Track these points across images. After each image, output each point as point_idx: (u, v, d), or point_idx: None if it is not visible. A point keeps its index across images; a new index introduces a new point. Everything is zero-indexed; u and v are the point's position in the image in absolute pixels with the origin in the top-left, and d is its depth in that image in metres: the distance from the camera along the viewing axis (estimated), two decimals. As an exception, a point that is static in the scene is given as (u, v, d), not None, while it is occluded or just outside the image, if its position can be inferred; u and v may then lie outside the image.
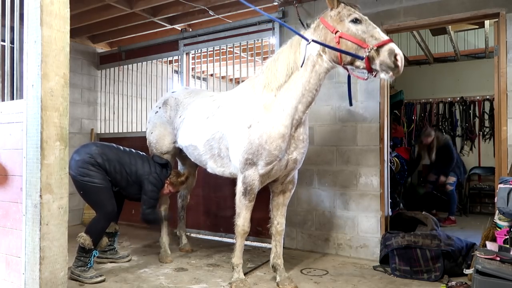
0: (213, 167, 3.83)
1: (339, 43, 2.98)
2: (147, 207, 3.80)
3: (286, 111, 3.23)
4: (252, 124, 3.29)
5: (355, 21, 2.96)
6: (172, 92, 4.56)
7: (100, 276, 3.59)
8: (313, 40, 3.11)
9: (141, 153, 4.11)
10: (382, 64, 2.83)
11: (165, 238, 4.41)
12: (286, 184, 3.58)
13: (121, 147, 4.06)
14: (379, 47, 2.84)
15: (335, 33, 2.99)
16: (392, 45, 2.83)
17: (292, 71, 3.24)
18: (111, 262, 4.15)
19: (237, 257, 3.47)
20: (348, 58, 2.99)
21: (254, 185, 3.31)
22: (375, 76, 2.97)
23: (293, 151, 3.36)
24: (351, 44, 2.94)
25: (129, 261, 4.24)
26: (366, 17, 3.02)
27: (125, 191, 3.90)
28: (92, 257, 3.65)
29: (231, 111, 3.56)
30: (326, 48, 3.07)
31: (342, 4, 3.07)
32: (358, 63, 2.95)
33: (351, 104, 3.24)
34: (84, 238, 3.54)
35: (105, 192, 3.66)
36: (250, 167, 3.30)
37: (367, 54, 2.85)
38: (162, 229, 4.43)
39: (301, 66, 3.19)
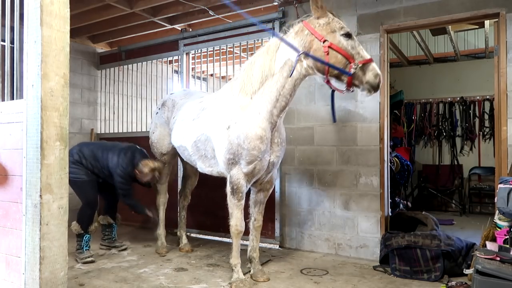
0: (202, 167, 3.93)
1: (328, 53, 3.05)
2: (122, 196, 4.34)
3: (262, 114, 3.31)
4: (230, 125, 3.39)
5: (347, 35, 3.08)
6: (171, 94, 4.69)
7: (90, 257, 4.16)
8: (304, 53, 3.14)
9: (118, 144, 4.50)
10: (367, 83, 3.03)
11: (161, 231, 4.61)
12: (264, 184, 3.70)
13: (99, 142, 4.64)
14: (364, 64, 3.01)
15: (324, 42, 3.05)
16: (375, 66, 3.06)
17: (266, 78, 3.32)
18: (108, 248, 4.65)
19: (234, 257, 3.52)
20: (335, 71, 3.07)
21: (240, 183, 3.39)
22: (352, 91, 3.14)
23: (271, 154, 3.46)
24: (341, 57, 3.04)
25: (124, 249, 4.66)
26: (352, 32, 3.17)
27: (111, 181, 4.36)
28: (84, 241, 4.21)
29: (213, 113, 3.66)
30: (316, 55, 3.13)
31: (330, 15, 3.14)
32: (343, 77, 3.07)
33: (334, 120, 3.34)
34: (74, 226, 4.17)
35: (85, 185, 4.22)
36: (234, 166, 3.39)
37: (354, 70, 3.00)
38: (159, 222, 4.61)
39: (290, 75, 3.25)
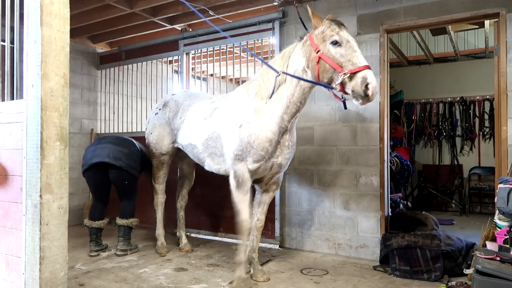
0: (210, 165, 3.95)
1: (318, 63, 3.05)
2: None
3: (273, 118, 3.36)
4: (243, 124, 3.45)
5: (335, 43, 2.99)
6: (172, 95, 4.69)
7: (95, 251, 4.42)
8: (283, 72, 3.28)
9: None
10: (353, 90, 2.87)
11: (161, 231, 4.62)
12: (270, 184, 3.73)
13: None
14: (354, 73, 2.85)
15: (317, 53, 3.06)
16: (366, 73, 2.83)
17: (280, 83, 3.35)
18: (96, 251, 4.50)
19: (241, 254, 3.48)
20: (325, 79, 3.06)
21: (245, 177, 3.43)
22: (346, 99, 3.06)
23: (279, 156, 3.49)
24: (328, 66, 3.00)
25: (105, 248, 4.60)
26: (349, 38, 3.00)
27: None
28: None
29: (227, 113, 3.70)
30: (310, 65, 3.15)
31: (327, 22, 3.10)
32: (334, 85, 3.00)
33: (345, 107, 3.20)
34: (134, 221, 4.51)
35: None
36: (239, 162, 3.45)
37: (340, 80, 2.90)
38: (158, 223, 4.62)
39: (270, 97, 3.35)
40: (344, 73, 2.88)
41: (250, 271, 3.68)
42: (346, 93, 2.96)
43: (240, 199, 3.44)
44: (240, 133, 3.43)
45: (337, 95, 3.14)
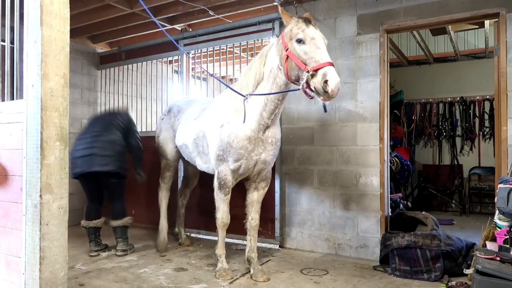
0: (199, 163, 4.08)
1: (286, 61, 3.10)
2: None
3: (253, 116, 3.43)
4: (223, 124, 3.56)
5: (299, 41, 3.01)
6: (176, 101, 4.94)
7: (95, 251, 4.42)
8: (249, 94, 3.41)
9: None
10: (315, 87, 2.88)
11: (164, 224, 4.60)
12: (258, 182, 3.79)
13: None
14: (316, 70, 2.86)
15: (286, 51, 3.09)
16: (327, 69, 2.82)
17: (258, 82, 3.44)
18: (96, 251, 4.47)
19: (220, 248, 3.74)
20: (293, 77, 3.10)
21: (227, 179, 3.57)
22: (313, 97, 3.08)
23: (262, 153, 3.55)
24: (294, 64, 3.04)
25: (105, 248, 4.56)
26: (314, 35, 3.00)
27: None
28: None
29: (211, 112, 3.84)
30: (281, 63, 3.19)
31: (295, 20, 3.12)
32: (301, 83, 3.01)
33: (325, 110, 3.19)
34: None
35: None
36: (222, 163, 3.56)
37: (305, 79, 2.92)
38: (161, 216, 4.63)
39: (243, 121, 3.41)
40: (307, 71, 2.90)
41: (250, 271, 3.70)
42: (312, 90, 2.97)
43: (220, 198, 3.65)
44: (221, 133, 3.54)
45: (307, 93, 3.10)
